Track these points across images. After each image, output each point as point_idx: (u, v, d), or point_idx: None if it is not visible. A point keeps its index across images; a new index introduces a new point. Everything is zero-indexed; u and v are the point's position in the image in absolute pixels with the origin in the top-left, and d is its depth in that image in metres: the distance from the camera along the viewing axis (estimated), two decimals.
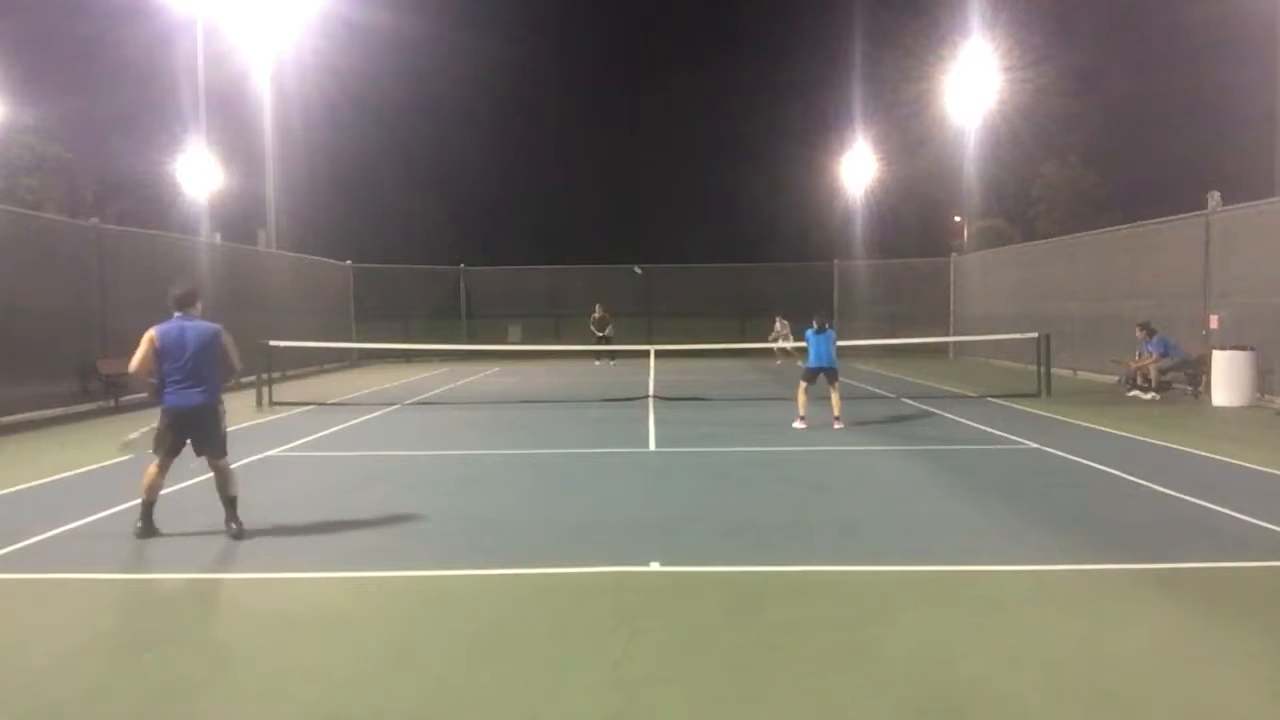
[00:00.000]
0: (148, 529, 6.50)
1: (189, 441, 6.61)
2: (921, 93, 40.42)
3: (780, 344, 24.88)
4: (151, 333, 6.46)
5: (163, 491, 6.68)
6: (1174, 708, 3.74)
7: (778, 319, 25.51)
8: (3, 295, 13.22)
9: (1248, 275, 14.58)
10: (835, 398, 12.18)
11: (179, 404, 6.45)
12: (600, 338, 26.12)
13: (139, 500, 6.55)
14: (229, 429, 6.91)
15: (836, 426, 11.87)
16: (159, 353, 6.41)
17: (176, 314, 6.59)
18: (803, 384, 12.39)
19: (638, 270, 19.87)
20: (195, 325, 6.57)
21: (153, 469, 6.55)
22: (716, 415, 13.84)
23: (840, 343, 26.16)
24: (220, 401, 6.68)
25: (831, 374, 12.23)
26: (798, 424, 12.03)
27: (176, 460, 6.66)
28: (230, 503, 6.56)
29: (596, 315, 26.50)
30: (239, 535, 6.41)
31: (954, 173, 38.23)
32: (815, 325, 12.52)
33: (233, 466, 9.32)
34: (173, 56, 31.26)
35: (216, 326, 6.65)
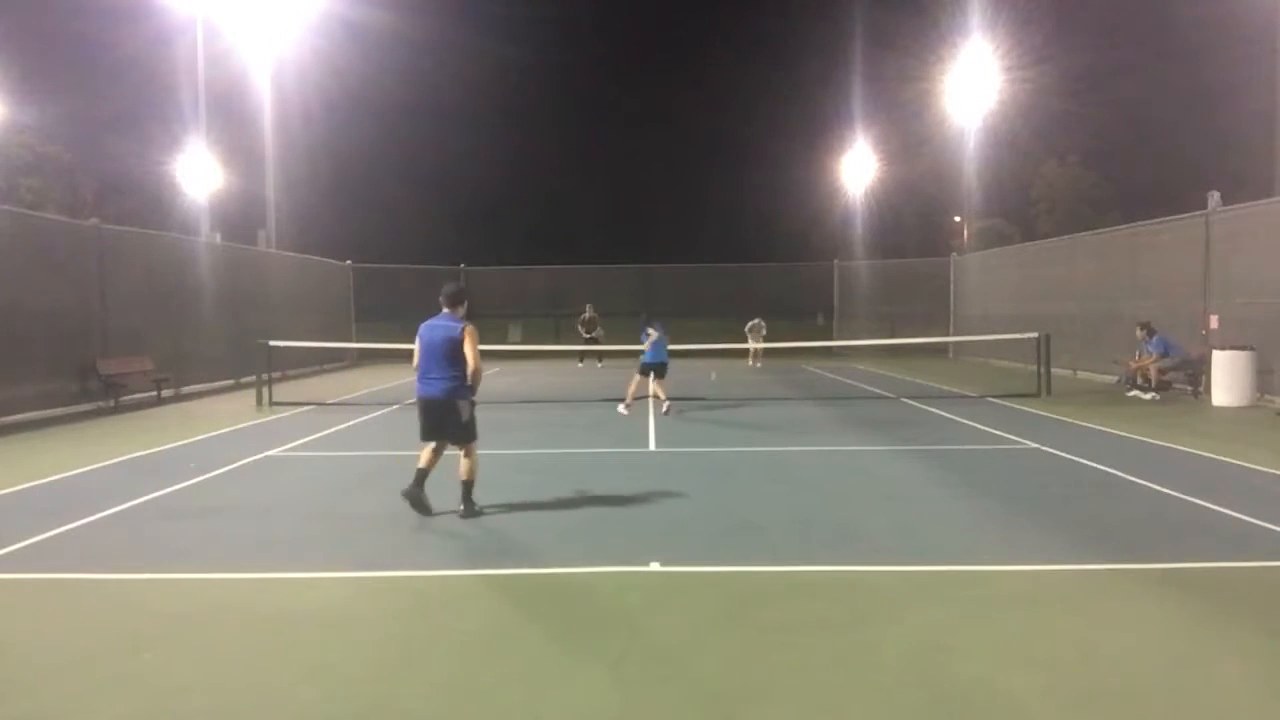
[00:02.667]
0: (414, 491, 7.03)
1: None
2: (921, 93, 40.44)
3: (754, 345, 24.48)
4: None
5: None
6: (1174, 708, 3.74)
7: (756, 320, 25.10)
8: (3, 295, 13.23)
9: (1248, 275, 14.58)
10: (659, 389, 13.77)
11: (421, 393, 7.14)
12: (588, 339, 25.79)
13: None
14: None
15: (664, 411, 13.41)
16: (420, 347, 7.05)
17: (444, 311, 7.08)
18: (639, 376, 13.86)
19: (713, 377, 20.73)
20: (443, 323, 7.01)
21: (425, 451, 7.24)
22: (716, 415, 13.84)
23: (839, 342, 26.13)
24: (460, 394, 7.03)
25: (661, 368, 13.81)
26: (622, 409, 13.54)
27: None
28: (463, 486, 7.13)
29: (586, 316, 26.18)
30: (465, 516, 7.02)
31: (954, 173, 38.24)
32: (649, 322, 13.88)
33: (233, 467, 9.36)
34: (173, 56, 31.30)
35: (458, 324, 6.97)
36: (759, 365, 24.64)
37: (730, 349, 25.50)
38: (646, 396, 13.95)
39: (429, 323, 7.08)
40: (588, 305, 26.45)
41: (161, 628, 4.76)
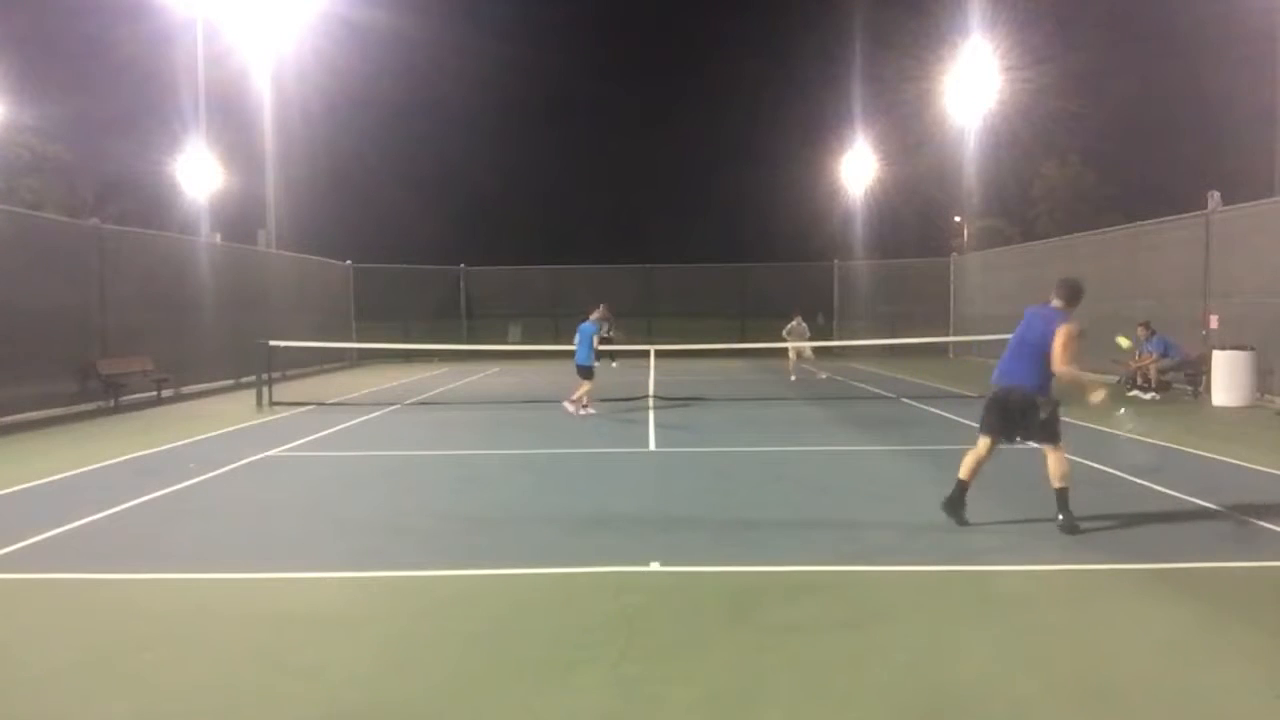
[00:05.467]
0: (954, 507, 6.51)
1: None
2: (921, 93, 40.44)
3: (796, 345, 19.91)
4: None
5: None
6: (1174, 707, 3.74)
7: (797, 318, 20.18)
8: (3, 295, 13.23)
9: (1248, 275, 14.58)
10: (580, 389, 13.50)
11: (995, 381, 6.55)
12: (603, 339, 25.58)
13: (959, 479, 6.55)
14: None
15: (569, 407, 13.41)
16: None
17: (1052, 303, 6.49)
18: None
19: None
20: (1038, 311, 6.50)
21: (981, 447, 6.52)
22: (716, 415, 13.84)
23: (839, 342, 25.41)
24: (1041, 392, 6.37)
25: (582, 370, 13.58)
26: (579, 410, 13.45)
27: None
28: (1057, 494, 6.42)
29: (596, 315, 26.01)
30: (1064, 528, 6.30)
31: (954, 173, 38.28)
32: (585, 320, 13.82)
33: (233, 467, 9.36)
34: (173, 56, 31.24)
35: (1053, 314, 6.37)
36: (793, 377, 19.78)
37: (730, 349, 25.50)
38: (646, 396, 13.92)
39: (1034, 309, 6.56)
40: (601, 305, 26.22)
41: (161, 628, 4.76)
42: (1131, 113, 45.93)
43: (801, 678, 4.03)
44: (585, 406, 13.52)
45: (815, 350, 20.98)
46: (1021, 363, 6.44)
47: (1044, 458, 6.51)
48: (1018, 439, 6.60)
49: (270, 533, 6.78)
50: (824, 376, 20.02)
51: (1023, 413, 6.43)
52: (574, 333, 14.36)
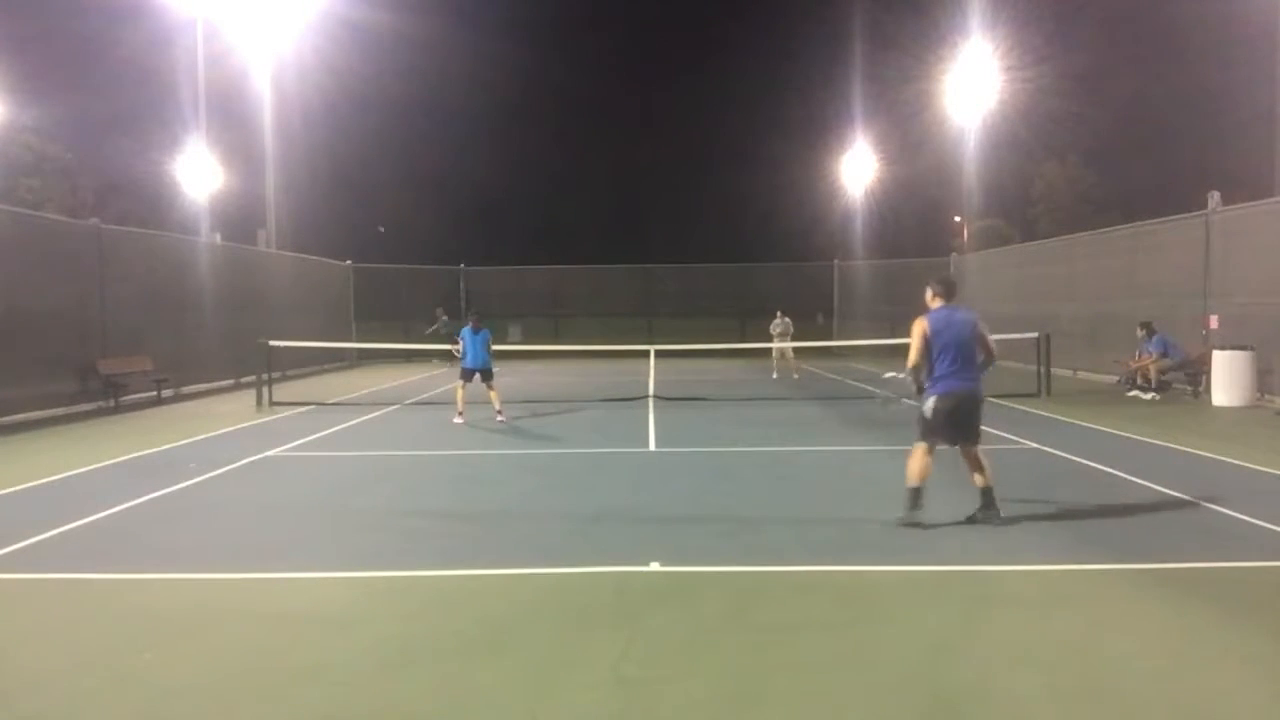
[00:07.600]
0: (910, 516, 6.54)
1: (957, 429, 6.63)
2: (921, 93, 40.43)
3: (780, 345, 20.46)
4: (922, 321, 6.62)
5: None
6: (1173, 708, 3.74)
7: (779, 314, 20.66)
8: (3, 295, 13.23)
9: (1248, 275, 14.58)
10: (493, 395, 13.06)
11: (958, 389, 6.52)
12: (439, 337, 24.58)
13: (910, 486, 6.57)
14: None
15: (499, 419, 12.77)
16: (931, 339, 6.55)
17: (950, 303, 6.75)
18: (461, 383, 13.07)
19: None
20: (963, 315, 6.70)
21: (925, 463, 6.62)
22: (716, 415, 13.84)
23: (839, 342, 25.48)
24: (981, 390, 6.70)
25: (486, 374, 13.08)
26: (457, 419, 12.81)
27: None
28: (986, 493, 6.62)
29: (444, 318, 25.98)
30: (993, 521, 6.54)
31: (954, 173, 38.20)
32: (471, 325, 13.21)
33: (233, 467, 9.36)
34: (173, 56, 31.26)
35: (969, 314, 6.72)
36: (796, 375, 20.58)
37: (730, 349, 25.49)
38: (646, 396, 13.86)
39: (944, 314, 6.62)
40: (439, 308, 26.11)
41: (161, 628, 4.76)
42: (1131, 113, 46.00)
43: (801, 678, 4.03)
44: (461, 413, 12.88)
45: (797, 351, 21.24)
46: (970, 368, 6.63)
47: (975, 458, 6.71)
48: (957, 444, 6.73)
49: (270, 533, 6.79)
50: (776, 377, 20.34)
51: (977, 413, 6.70)
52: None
